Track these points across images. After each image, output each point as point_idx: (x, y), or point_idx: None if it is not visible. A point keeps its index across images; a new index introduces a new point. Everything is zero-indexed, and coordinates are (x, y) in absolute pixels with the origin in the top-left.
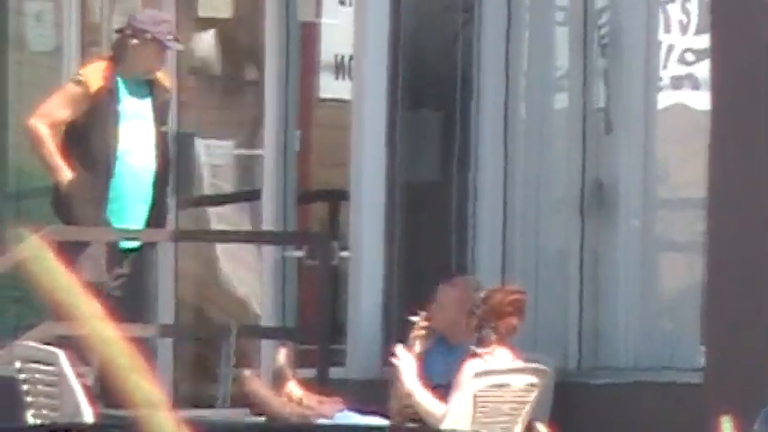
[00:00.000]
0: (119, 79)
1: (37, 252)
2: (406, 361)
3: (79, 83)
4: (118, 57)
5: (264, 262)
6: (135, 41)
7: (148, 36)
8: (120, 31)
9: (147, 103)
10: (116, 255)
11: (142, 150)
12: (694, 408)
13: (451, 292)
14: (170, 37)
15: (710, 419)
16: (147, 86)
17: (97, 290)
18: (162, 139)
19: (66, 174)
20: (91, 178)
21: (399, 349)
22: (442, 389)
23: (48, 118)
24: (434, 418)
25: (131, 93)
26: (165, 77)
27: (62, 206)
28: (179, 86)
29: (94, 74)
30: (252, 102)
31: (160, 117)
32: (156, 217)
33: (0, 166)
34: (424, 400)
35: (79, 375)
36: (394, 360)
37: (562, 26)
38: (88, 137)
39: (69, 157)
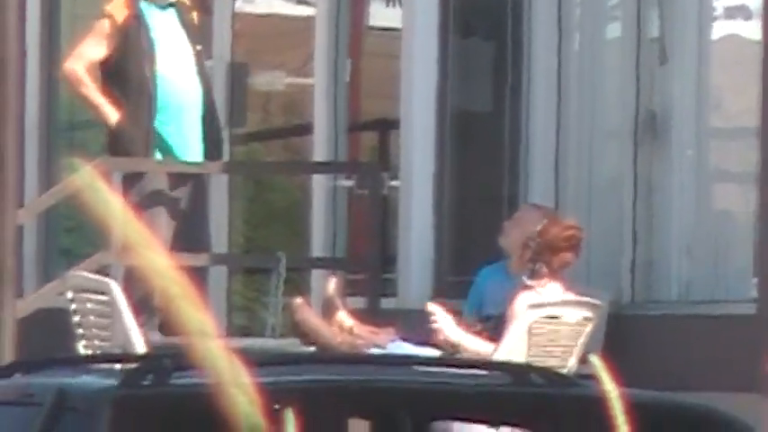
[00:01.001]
0: (142, 6)
1: (90, 182)
2: (442, 317)
3: (105, 17)
4: None
5: (315, 192)
6: None
7: None
8: None
9: (176, 26)
10: (174, 179)
11: (183, 73)
12: (747, 339)
13: (534, 213)
14: None
15: (763, 350)
16: (172, 9)
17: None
18: (200, 60)
19: (110, 111)
20: (136, 111)
21: (432, 306)
22: (493, 320)
23: (83, 59)
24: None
25: (158, 18)
26: None
27: (115, 144)
28: (233, 16)
29: (118, 6)
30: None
31: (193, 37)
32: (212, 145)
33: (52, 98)
34: (473, 346)
35: (132, 306)
36: (431, 320)
37: None
38: (126, 69)
39: (112, 95)
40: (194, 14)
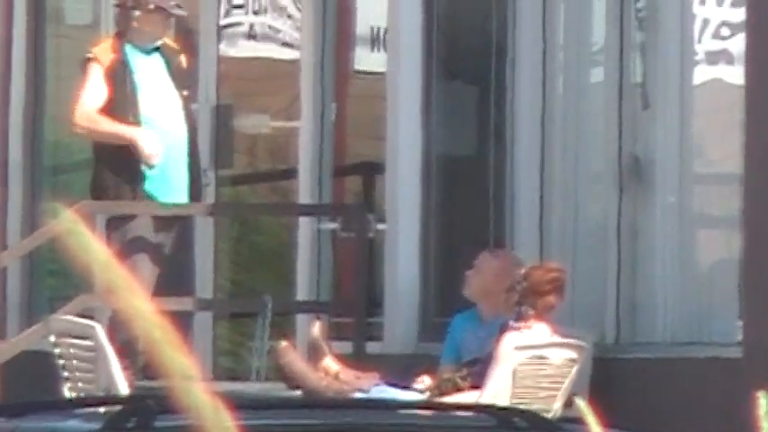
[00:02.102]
0: (127, 51)
1: (71, 226)
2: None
3: (91, 60)
4: (123, 30)
5: (300, 234)
6: (138, 13)
7: (151, 6)
8: (120, 4)
9: (161, 70)
10: (161, 222)
11: (168, 117)
12: (732, 382)
13: (493, 261)
14: (172, 3)
15: (748, 394)
16: (157, 53)
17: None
18: (186, 104)
19: (132, 132)
20: (121, 155)
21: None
22: (473, 364)
23: (85, 110)
24: None
25: (143, 62)
26: (173, 42)
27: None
28: (218, 59)
29: (103, 50)
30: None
31: (179, 82)
32: (195, 188)
33: (37, 140)
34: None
35: (116, 349)
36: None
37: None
38: (112, 113)
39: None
40: (181, 58)
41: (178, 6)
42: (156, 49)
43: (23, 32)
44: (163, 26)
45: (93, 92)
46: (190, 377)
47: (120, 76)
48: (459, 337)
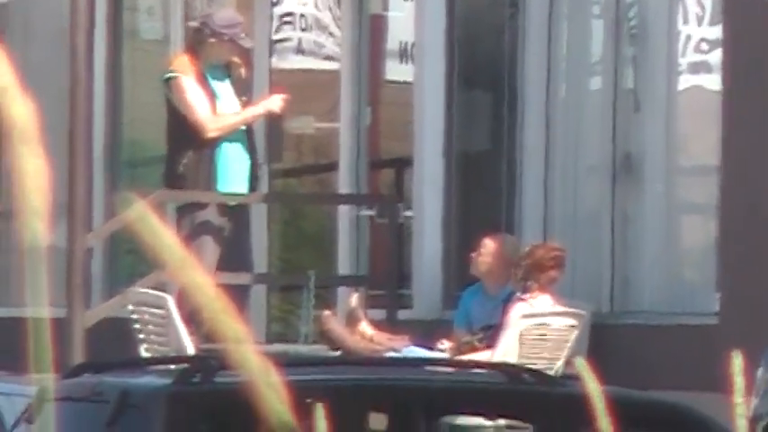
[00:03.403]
0: (203, 65)
1: (142, 214)
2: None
3: (178, 77)
4: (197, 50)
5: (341, 220)
6: (213, 40)
7: (225, 38)
8: (197, 29)
9: (227, 82)
10: (224, 210)
11: None
12: (709, 346)
13: (493, 244)
14: (243, 35)
15: (723, 356)
16: (225, 68)
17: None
18: (244, 108)
19: (254, 111)
20: (199, 151)
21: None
22: (488, 329)
23: (206, 117)
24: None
25: (214, 76)
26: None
27: (175, 178)
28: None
29: (184, 66)
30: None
31: (239, 90)
32: (253, 179)
33: (116, 139)
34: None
35: (184, 316)
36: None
37: (597, 18)
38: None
39: (184, 136)
40: (242, 71)
41: (247, 38)
42: (225, 64)
43: (104, 46)
44: (231, 53)
45: (198, 99)
46: (243, 341)
47: (204, 85)
48: (469, 307)
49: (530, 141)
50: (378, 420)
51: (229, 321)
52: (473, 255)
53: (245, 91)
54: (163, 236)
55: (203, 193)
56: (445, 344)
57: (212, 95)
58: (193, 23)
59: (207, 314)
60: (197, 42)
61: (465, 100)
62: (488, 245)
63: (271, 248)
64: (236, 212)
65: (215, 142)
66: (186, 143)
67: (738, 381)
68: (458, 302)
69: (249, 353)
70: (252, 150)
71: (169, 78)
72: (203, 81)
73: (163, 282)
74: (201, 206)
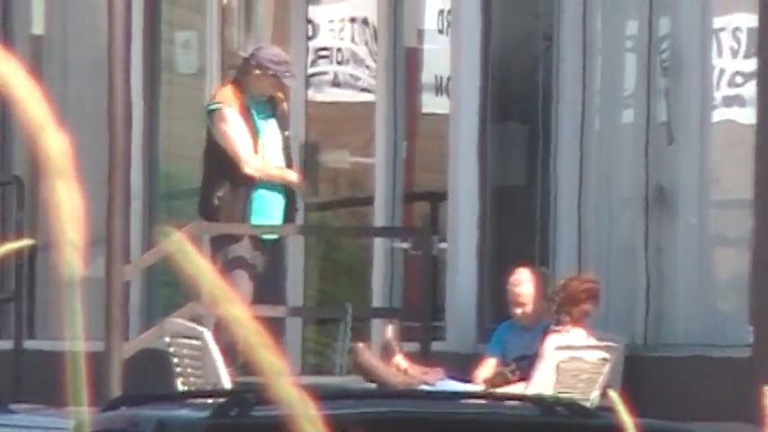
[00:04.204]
0: (247, 98)
1: (180, 246)
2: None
3: (223, 109)
4: (242, 81)
5: (376, 252)
6: (258, 72)
7: (270, 72)
8: (245, 60)
9: (270, 117)
10: (258, 246)
11: (275, 155)
12: (743, 378)
13: (529, 278)
14: (288, 74)
15: (756, 389)
16: (268, 101)
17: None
18: (286, 143)
19: (291, 175)
20: (237, 184)
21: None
22: (521, 360)
23: (249, 153)
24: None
25: (258, 110)
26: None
27: (212, 210)
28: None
29: (229, 97)
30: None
31: (282, 124)
32: (290, 211)
33: (153, 171)
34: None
35: (220, 349)
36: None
37: (630, 52)
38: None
39: (222, 174)
40: (284, 105)
41: (291, 75)
42: (268, 98)
43: (140, 79)
44: (274, 87)
45: (240, 133)
46: (280, 374)
47: (247, 119)
48: (505, 339)
49: (564, 174)
50: None
51: (267, 354)
52: (512, 292)
53: (287, 125)
54: (201, 268)
55: (240, 225)
56: (479, 376)
57: (255, 130)
58: (243, 54)
59: (245, 347)
60: (242, 73)
61: (499, 133)
62: (523, 279)
63: (306, 281)
64: (271, 247)
65: (252, 178)
66: (224, 176)
67: None
68: (492, 334)
69: (287, 386)
70: (288, 187)
71: (213, 110)
72: (247, 114)
73: (199, 314)
74: (236, 239)
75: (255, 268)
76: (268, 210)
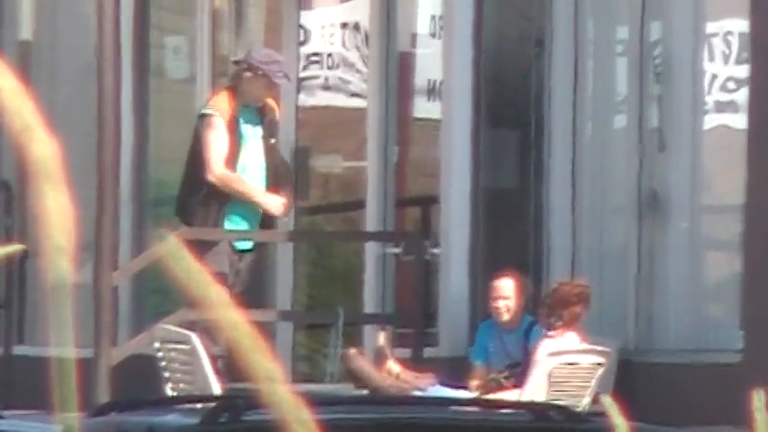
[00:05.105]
0: (239, 107)
1: (174, 249)
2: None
3: (213, 115)
4: (236, 87)
5: (367, 257)
6: (249, 74)
7: (260, 72)
8: (237, 62)
9: (258, 122)
10: (235, 253)
11: (256, 164)
12: (733, 383)
13: (510, 284)
14: (280, 74)
15: (745, 393)
16: (259, 111)
17: (222, 280)
18: (270, 152)
19: (268, 199)
20: (211, 198)
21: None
22: (515, 367)
23: (221, 159)
24: None
25: (247, 119)
26: (272, 101)
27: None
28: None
29: (222, 105)
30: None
31: (268, 133)
32: (267, 218)
33: (142, 177)
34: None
35: (209, 355)
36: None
37: (621, 57)
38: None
39: (201, 178)
40: (276, 114)
41: (285, 77)
42: (259, 106)
43: (130, 85)
44: (266, 88)
45: (221, 143)
46: (273, 378)
47: (232, 129)
48: (486, 342)
49: (556, 179)
50: None
51: (260, 359)
52: (495, 304)
53: (274, 134)
54: (195, 272)
55: (224, 231)
56: (472, 382)
57: (239, 138)
58: (235, 58)
59: (237, 351)
60: (235, 77)
61: (492, 138)
62: (504, 287)
63: (297, 286)
64: (249, 254)
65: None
66: (202, 180)
67: (760, 418)
68: (475, 337)
69: (280, 391)
70: (270, 186)
71: (204, 114)
72: (234, 124)
73: (189, 319)
74: (211, 245)
75: (232, 276)
76: (242, 220)
